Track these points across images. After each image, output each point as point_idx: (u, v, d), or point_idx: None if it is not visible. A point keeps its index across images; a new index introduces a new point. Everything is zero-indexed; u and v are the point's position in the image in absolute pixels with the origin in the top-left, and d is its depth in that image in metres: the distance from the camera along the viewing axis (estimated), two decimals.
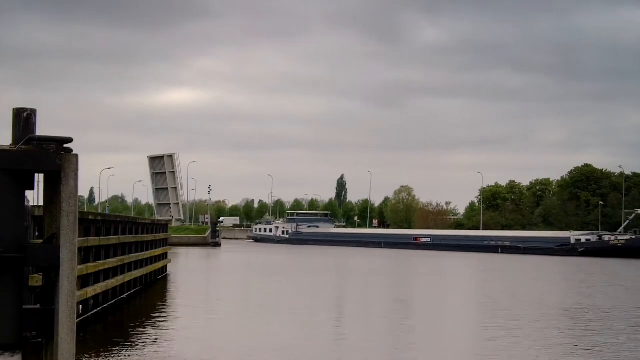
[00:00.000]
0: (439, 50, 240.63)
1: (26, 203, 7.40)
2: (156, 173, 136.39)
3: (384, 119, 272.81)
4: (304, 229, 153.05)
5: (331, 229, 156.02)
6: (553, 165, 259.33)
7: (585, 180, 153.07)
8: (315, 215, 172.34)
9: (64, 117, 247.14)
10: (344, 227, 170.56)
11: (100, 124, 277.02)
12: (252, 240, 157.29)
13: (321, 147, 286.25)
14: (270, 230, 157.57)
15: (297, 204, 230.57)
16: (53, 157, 7.08)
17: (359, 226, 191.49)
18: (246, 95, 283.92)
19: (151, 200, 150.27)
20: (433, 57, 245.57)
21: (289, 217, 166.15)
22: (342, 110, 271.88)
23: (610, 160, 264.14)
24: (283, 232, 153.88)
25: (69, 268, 7.18)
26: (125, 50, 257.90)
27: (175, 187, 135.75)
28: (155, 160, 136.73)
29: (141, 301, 32.65)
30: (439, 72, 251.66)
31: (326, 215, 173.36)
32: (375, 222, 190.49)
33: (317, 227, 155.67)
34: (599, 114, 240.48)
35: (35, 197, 54.09)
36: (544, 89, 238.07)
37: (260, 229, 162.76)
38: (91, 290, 24.02)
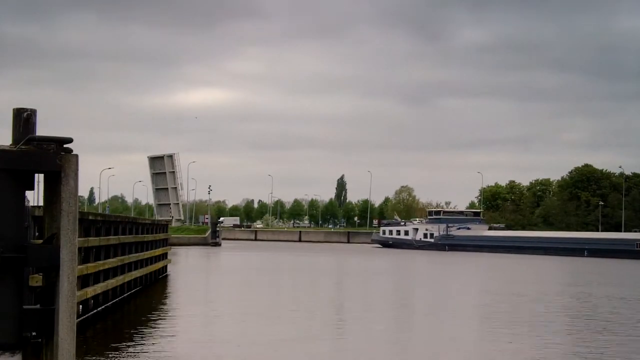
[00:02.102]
0: (479, 49, 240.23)
1: (26, 203, 7.40)
2: (156, 173, 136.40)
3: (403, 120, 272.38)
4: (453, 230, 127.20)
5: (485, 231, 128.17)
6: (570, 166, 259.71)
7: (585, 181, 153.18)
8: (461, 213, 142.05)
9: (83, 117, 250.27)
10: (502, 229, 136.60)
11: (110, 124, 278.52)
12: (378, 245, 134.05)
13: (325, 147, 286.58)
14: (406, 233, 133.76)
15: (297, 204, 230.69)
16: (53, 157, 7.08)
17: (359, 226, 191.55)
18: (270, 96, 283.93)
19: (151, 200, 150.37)
20: (472, 56, 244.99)
21: (433, 217, 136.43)
22: (362, 111, 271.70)
23: (629, 160, 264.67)
24: (426, 234, 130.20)
25: (69, 268, 7.18)
26: (161, 50, 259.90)
27: (175, 187, 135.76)
28: (155, 161, 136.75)
29: (141, 301, 32.66)
30: (474, 72, 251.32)
31: (477, 214, 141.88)
32: (376, 221, 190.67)
33: (468, 228, 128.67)
34: (625, 114, 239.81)
35: (35, 197, 54.13)
36: (575, 89, 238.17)
37: (390, 231, 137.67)
38: (91, 291, 24.03)
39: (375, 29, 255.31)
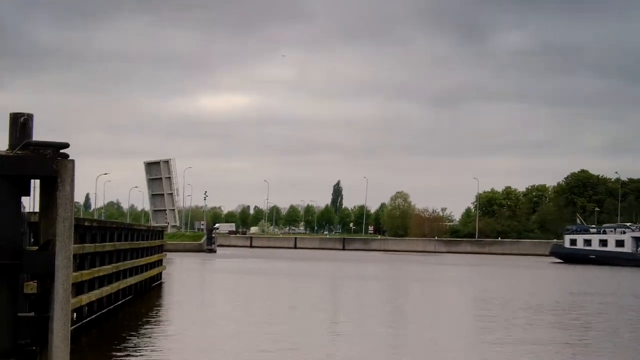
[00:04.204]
0: (513, 53, 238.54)
1: (22, 209, 7.35)
2: (152, 179, 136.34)
3: (417, 124, 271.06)
4: None
5: None
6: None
7: (582, 186, 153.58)
8: None
9: (105, 121, 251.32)
10: None
11: (118, 128, 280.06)
12: (558, 260, 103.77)
13: (325, 152, 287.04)
14: (620, 243, 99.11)
15: (292, 210, 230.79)
16: (49, 163, 7.04)
17: (355, 232, 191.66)
18: (291, 101, 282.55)
19: (147, 206, 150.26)
20: (505, 60, 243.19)
21: None
22: (380, 116, 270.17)
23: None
24: None
25: (64, 275, 7.13)
26: (193, 55, 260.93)
27: (172, 193, 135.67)
28: (151, 166, 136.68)
29: (136, 308, 32.56)
30: (503, 76, 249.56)
31: None
32: (372, 228, 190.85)
33: None
34: None
35: (31, 203, 54.02)
36: (609, 94, 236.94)
37: (587, 242, 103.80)
38: (86, 298, 23.92)
39: (412, 32, 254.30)
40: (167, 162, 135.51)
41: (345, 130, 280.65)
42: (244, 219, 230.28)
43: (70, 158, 7.16)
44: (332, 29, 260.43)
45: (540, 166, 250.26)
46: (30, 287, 12.14)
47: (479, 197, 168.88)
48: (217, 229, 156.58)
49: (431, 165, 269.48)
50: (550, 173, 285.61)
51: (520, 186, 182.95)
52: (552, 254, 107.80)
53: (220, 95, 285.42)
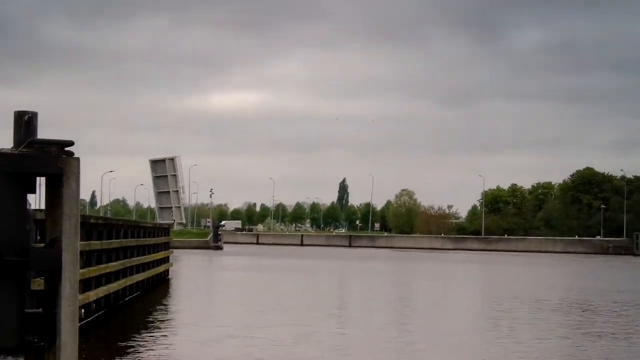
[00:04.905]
0: (530, 51, 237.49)
1: (28, 206, 7.39)
2: (158, 176, 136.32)
3: (426, 122, 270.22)
4: None
5: None
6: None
7: (587, 184, 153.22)
8: None
9: (114, 119, 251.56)
10: None
11: (126, 126, 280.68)
12: None
13: (331, 149, 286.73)
14: None
15: (298, 208, 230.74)
16: (54, 160, 7.07)
17: (361, 229, 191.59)
18: (300, 99, 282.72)
19: (153, 203, 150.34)
20: (519, 58, 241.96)
21: None
22: (389, 114, 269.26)
23: None
24: None
25: (71, 272, 7.17)
26: (210, 52, 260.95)
27: (177, 191, 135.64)
28: (156, 164, 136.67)
29: (143, 305, 32.62)
30: (517, 74, 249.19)
31: None
32: (378, 225, 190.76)
33: None
34: None
35: (37, 200, 54.16)
36: (615, 90, 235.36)
37: None
38: (93, 294, 24.00)
39: (428, 31, 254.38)
40: (172, 159, 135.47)
41: (351, 128, 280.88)
42: (250, 216, 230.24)
43: (76, 156, 7.20)
44: (348, 29, 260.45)
45: (548, 164, 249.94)
46: (38, 284, 12.19)
47: (485, 195, 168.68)
48: (224, 226, 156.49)
49: (437, 164, 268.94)
50: (558, 171, 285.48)
51: (527, 184, 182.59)
52: None
53: (230, 93, 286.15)
